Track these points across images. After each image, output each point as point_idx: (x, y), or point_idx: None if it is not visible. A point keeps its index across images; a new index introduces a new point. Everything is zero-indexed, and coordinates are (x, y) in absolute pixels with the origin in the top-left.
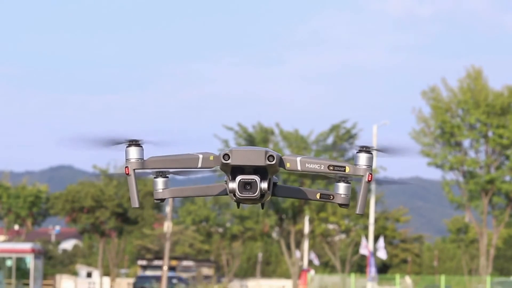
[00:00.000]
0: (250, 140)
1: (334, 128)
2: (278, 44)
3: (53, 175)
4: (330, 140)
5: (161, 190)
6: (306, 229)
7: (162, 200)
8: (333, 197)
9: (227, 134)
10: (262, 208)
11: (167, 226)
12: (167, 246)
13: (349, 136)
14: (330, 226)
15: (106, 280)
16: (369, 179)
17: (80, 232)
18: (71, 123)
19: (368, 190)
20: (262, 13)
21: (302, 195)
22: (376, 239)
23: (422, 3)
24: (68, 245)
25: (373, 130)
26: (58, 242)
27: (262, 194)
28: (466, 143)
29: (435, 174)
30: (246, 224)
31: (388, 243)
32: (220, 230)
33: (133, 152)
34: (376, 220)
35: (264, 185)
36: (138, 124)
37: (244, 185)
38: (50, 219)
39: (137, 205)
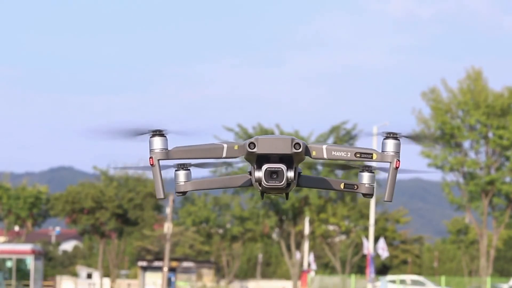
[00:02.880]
0: None
1: (334, 129)
2: (279, 45)
3: (53, 176)
4: (330, 141)
5: (182, 183)
6: (306, 230)
7: (184, 193)
8: (357, 187)
9: (227, 135)
10: (287, 198)
11: (167, 227)
12: (167, 247)
13: (349, 137)
14: (330, 227)
15: (106, 281)
16: (397, 166)
17: (80, 233)
18: (72, 124)
19: (395, 177)
20: (262, 14)
21: (326, 185)
22: (376, 240)
23: (422, 4)
24: (68, 246)
25: (373, 131)
26: (58, 243)
27: (288, 183)
28: (466, 144)
29: (435, 175)
30: (246, 225)
31: (388, 244)
32: (220, 231)
33: (157, 142)
34: (376, 221)
35: (291, 174)
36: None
37: (270, 174)
38: (50, 220)
39: (162, 196)
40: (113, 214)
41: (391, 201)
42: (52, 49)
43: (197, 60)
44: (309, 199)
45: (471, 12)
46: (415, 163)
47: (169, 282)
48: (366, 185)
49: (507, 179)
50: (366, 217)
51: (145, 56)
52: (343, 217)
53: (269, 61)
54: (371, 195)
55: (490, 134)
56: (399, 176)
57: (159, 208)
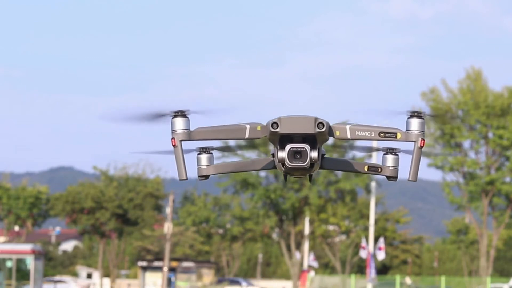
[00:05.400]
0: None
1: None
2: (279, 45)
3: (53, 176)
4: (330, 141)
5: (205, 167)
6: (306, 230)
7: (207, 177)
8: (381, 170)
9: None
10: (310, 180)
11: (167, 227)
12: (167, 247)
13: None
14: (330, 227)
15: (106, 281)
16: (422, 145)
17: (80, 233)
18: (73, 124)
19: (420, 156)
20: (263, 15)
21: (349, 167)
22: (376, 240)
23: (423, 5)
24: (68, 246)
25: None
26: (58, 243)
27: (312, 163)
28: (466, 144)
29: (435, 175)
30: (246, 225)
31: (389, 244)
32: (220, 231)
33: (179, 123)
34: (376, 221)
35: (314, 154)
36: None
37: (294, 154)
38: (50, 220)
39: (184, 178)
40: (113, 214)
41: (415, 181)
42: (54, 50)
43: (197, 61)
44: (309, 199)
45: (471, 12)
46: None
47: (169, 282)
48: (390, 168)
49: (507, 179)
50: (366, 217)
51: (145, 57)
52: (343, 217)
53: (269, 62)
54: (395, 178)
55: (490, 134)
56: (400, 175)
57: (159, 208)
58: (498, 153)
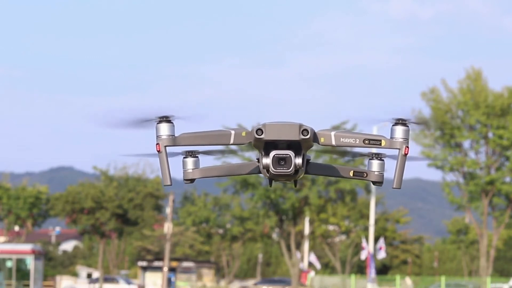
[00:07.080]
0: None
1: (334, 129)
2: (279, 45)
3: (53, 176)
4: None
5: (190, 170)
6: (307, 230)
7: (192, 180)
8: (367, 175)
9: None
10: (295, 186)
11: (167, 227)
12: (167, 247)
13: None
14: (330, 227)
15: None
16: (406, 153)
17: (80, 233)
18: (73, 124)
19: (404, 164)
20: (263, 15)
21: (335, 172)
22: (376, 240)
23: (423, 5)
24: (68, 246)
25: (373, 131)
26: (58, 243)
27: (297, 170)
28: (466, 144)
29: (435, 175)
30: (246, 225)
31: (389, 244)
32: (220, 231)
33: (164, 128)
34: (376, 221)
35: (299, 160)
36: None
37: (278, 161)
38: (50, 220)
39: (169, 183)
40: (113, 214)
41: (399, 188)
42: (53, 50)
43: (197, 61)
44: (309, 199)
45: (471, 12)
46: (415, 163)
47: (169, 282)
48: (376, 173)
49: (507, 179)
50: (366, 217)
51: (145, 57)
52: (343, 217)
53: (270, 62)
54: (380, 183)
55: (490, 134)
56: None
57: (159, 208)
58: (498, 153)
